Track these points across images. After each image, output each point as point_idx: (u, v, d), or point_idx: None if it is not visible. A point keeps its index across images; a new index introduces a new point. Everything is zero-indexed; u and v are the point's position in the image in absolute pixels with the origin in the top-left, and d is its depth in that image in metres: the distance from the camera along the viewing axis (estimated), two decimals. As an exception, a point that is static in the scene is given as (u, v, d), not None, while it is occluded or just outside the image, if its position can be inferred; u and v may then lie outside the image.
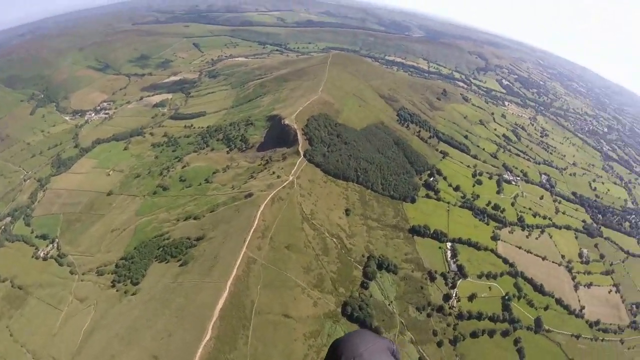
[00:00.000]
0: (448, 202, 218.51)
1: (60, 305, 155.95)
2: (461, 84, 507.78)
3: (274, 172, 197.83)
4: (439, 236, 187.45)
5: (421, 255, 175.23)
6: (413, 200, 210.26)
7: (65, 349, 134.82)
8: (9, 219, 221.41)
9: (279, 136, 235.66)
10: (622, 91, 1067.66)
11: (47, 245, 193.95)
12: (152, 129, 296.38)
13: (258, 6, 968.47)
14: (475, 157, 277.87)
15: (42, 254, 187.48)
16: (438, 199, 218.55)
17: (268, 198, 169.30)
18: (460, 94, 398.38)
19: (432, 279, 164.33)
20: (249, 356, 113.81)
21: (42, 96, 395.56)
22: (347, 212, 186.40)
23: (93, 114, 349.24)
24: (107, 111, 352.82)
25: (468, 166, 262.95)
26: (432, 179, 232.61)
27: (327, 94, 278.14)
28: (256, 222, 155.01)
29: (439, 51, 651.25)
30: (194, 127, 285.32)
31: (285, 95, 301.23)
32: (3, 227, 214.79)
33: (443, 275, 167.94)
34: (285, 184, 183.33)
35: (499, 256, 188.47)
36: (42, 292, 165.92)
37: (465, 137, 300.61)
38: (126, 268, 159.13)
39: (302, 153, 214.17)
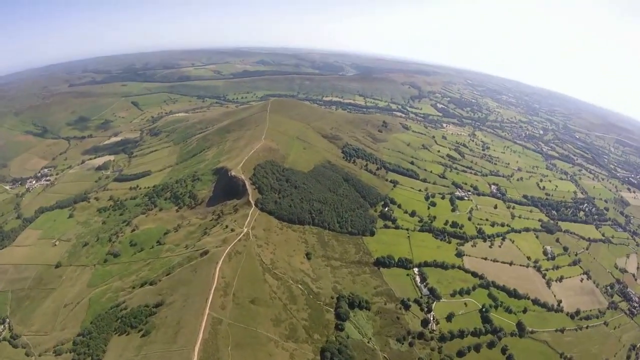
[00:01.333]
0: (407, 229, 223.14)
1: None
2: (399, 113, 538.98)
3: (227, 226, 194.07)
4: (404, 264, 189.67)
5: (391, 286, 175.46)
6: (372, 233, 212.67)
7: None
8: None
9: (227, 188, 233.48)
10: (550, 94, 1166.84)
11: None
12: (96, 193, 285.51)
13: (194, 61, 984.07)
14: (424, 180, 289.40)
15: None
16: (396, 227, 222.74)
17: (225, 253, 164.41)
18: (400, 123, 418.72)
19: (407, 307, 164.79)
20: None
21: None
22: (308, 255, 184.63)
23: (34, 181, 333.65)
24: (48, 177, 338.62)
25: (420, 190, 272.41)
26: (387, 208, 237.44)
27: (271, 140, 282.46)
28: (216, 280, 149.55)
29: (374, 86, 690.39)
30: (140, 188, 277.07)
31: (229, 146, 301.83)
32: None
33: (416, 301, 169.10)
34: (240, 236, 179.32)
35: (467, 271, 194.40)
36: None
37: (412, 163, 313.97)
38: (85, 345, 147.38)
39: (253, 203, 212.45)
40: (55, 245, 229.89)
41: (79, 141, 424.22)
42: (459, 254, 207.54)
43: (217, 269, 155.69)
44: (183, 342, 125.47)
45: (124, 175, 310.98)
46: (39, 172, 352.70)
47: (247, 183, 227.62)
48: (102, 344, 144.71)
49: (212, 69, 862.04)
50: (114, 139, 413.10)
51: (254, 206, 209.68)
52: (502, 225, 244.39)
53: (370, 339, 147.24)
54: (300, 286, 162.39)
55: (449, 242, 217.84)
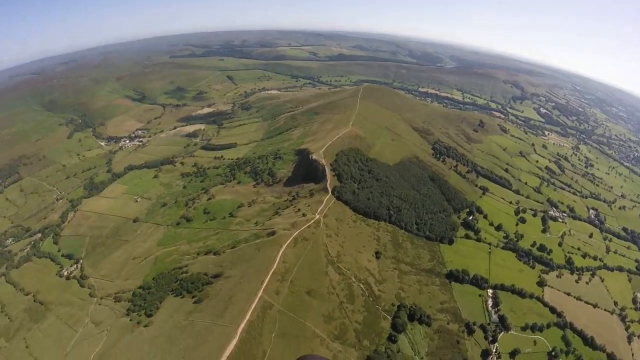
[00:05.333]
0: (489, 243, 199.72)
1: (76, 325, 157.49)
2: (498, 114, 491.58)
3: (299, 210, 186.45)
4: (479, 282, 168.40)
5: (459, 305, 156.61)
6: (451, 242, 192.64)
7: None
8: (39, 235, 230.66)
9: (306, 171, 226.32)
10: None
11: (71, 265, 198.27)
12: (183, 158, 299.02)
13: (291, 41, 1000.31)
14: (517, 192, 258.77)
15: (65, 273, 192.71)
16: (478, 240, 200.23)
17: (291, 238, 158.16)
18: (498, 124, 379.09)
19: (470, 332, 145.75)
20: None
21: (80, 121, 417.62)
22: (377, 254, 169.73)
23: (127, 141, 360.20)
24: (141, 139, 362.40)
25: (510, 202, 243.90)
26: (471, 217, 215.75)
27: (358, 127, 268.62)
28: (276, 264, 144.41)
29: (473, 81, 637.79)
30: (224, 159, 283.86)
31: (316, 128, 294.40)
32: (32, 243, 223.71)
33: (482, 327, 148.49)
34: (310, 222, 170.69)
35: (545, 305, 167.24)
36: (61, 310, 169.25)
37: (506, 170, 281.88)
38: (142, 298, 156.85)
39: (330, 190, 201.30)
40: (137, 201, 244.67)
41: (173, 109, 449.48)
42: (541, 283, 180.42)
43: (280, 252, 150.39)
44: (230, 318, 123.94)
45: (211, 144, 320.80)
46: (133, 133, 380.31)
47: (327, 169, 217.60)
48: (158, 300, 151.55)
49: (307, 50, 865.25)
50: (206, 110, 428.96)
51: (330, 193, 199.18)
52: (595, 258, 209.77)
53: (422, 358, 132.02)
54: (362, 286, 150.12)
55: (533, 267, 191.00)
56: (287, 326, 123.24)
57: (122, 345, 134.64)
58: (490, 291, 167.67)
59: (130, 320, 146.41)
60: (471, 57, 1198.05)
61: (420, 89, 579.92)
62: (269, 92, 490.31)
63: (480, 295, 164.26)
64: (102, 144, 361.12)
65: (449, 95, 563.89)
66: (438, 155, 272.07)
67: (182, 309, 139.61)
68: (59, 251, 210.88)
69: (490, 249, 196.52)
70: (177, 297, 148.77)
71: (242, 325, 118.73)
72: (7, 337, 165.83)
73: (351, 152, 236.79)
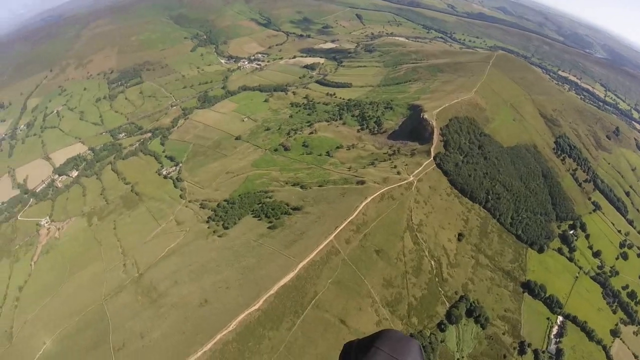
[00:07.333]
0: (580, 267, 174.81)
1: (160, 220, 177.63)
2: (639, 126, 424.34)
3: (395, 167, 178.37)
4: (552, 304, 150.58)
5: (522, 319, 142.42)
6: (541, 250, 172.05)
7: (147, 259, 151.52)
8: (148, 135, 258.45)
9: (414, 129, 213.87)
10: None
11: (171, 167, 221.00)
12: (296, 88, 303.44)
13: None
14: (631, 223, 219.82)
15: (164, 172, 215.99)
16: (570, 259, 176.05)
17: (378, 192, 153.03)
18: (635, 138, 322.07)
19: (522, 352, 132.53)
20: (285, 342, 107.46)
21: (205, 37, 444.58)
22: (459, 236, 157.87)
23: (246, 62, 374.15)
24: (259, 62, 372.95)
25: (619, 231, 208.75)
26: (572, 231, 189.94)
27: (481, 96, 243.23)
28: (356, 214, 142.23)
29: (620, 80, 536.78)
30: (335, 97, 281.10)
31: (435, 86, 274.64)
32: (142, 140, 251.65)
33: (535, 353, 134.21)
34: (402, 183, 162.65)
35: (609, 358, 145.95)
36: (152, 204, 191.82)
37: (627, 194, 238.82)
38: (224, 210, 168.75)
39: (432, 154, 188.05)
40: (243, 121, 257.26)
41: (296, 38, 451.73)
42: (615, 333, 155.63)
43: (363, 204, 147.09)
44: (295, 252, 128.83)
45: (326, 80, 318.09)
46: (253, 55, 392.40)
47: (436, 132, 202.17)
48: (237, 216, 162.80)
49: (446, 1, 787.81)
50: (329, 45, 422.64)
51: (431, 158, 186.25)
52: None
53: (462, 358, 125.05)
54: (432, 263, 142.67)
55: (614, 312, 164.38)
56: (345, 277, 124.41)
57: (193, 247, 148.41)
58: (560, 318, 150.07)
59: (208, 227, 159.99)
60: (626, 52, 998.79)
61: (559, 72, 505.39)
62: (396, 38, 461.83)
63: (548, 319, 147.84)
64: (222, 61, 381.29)
65: (590, 88, 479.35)
66: (559, 152, 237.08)
67: (256, 230, 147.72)
68: (163, 152, 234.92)
69: (579, 273, 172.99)
70: (254, 218, 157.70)
71: (304, 262, 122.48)
72: (100, 216, 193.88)
73: (466, 121, 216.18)
